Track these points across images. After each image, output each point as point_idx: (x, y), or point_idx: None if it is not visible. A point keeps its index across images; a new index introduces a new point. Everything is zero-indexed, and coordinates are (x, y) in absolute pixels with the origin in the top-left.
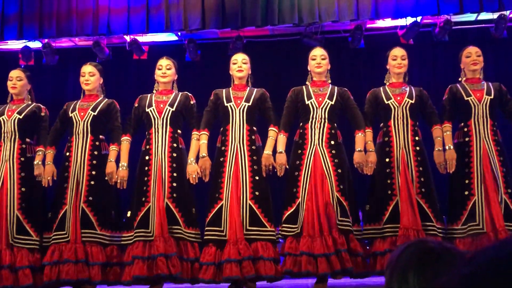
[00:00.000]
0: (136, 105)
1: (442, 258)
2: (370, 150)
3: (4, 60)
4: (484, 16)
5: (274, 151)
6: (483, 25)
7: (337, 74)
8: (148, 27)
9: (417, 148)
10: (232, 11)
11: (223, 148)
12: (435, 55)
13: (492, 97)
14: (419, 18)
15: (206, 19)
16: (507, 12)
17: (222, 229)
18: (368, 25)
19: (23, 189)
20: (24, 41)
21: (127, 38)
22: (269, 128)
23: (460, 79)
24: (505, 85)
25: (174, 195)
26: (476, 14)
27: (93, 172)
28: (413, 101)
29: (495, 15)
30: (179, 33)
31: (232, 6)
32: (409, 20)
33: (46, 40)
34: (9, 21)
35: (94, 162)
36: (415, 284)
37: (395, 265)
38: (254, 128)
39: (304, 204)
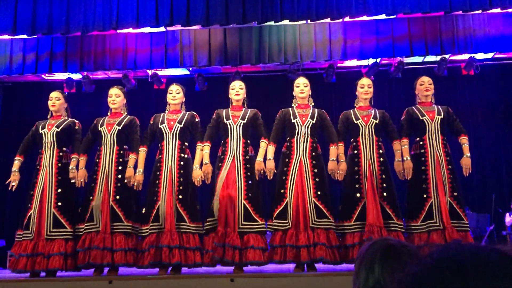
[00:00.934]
0: (152, 122)
1: (401, 253)
2: (341, 160)
3: (52, 88)
4: (429, 58)
5: (265, 159)
6: (429, 65)
7: (315, 102)
8: (166, 64)
9: (381, 159)
10: (233, 52)
11: (222, 157)
12: (391, 88)
13: (442, 116)
14: (378, 59)
15: (212, 58)
16: (447, 56)
17: (215, 218)
18: (339, 64)
19: (59, 190)
20: (68, 73)
21: (149, 72)
22: (261, 140)
23: (416, 102)
24: None
25: (180, 196)
26: (423, 57)
27: (119, 176)
28: (377, 121)
29: (438, 58)
30: (190, 69)
31: (233, 48)
32: (370, 61)
33: (85, 72)
34: (56, 57)
35: (120, 168)
36: (379, 273)
37: (363, 258)
38: (248, 141)
39: (292, 203)
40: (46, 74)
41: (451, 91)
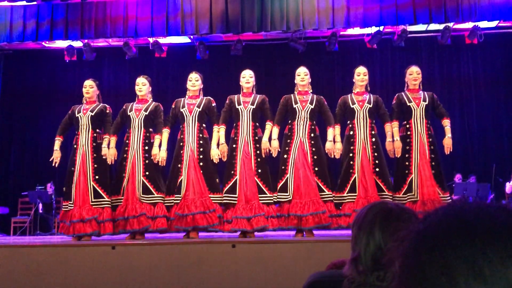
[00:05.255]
0: (173, 106)
1: (400, 217)
2: (337, 140)
3: (52, 56)
4: (433, 26)
5: (270, 139)
6: (432, 34)
7: (317, 70)
8: (167, 31)
9: (373, 139)
10: (234, 20)
11: (235, 138)
12: (393, 56)
13: (427, 103)
14: (381, 27)
15: (213, 26)
16: (451, 24)
17: (236, 195)
18: (342, 33)
19: (95, 165)
20: (68, 41)
21: (151, 40)
22: (266, 123)
23: (405, 89)
24: (447, 81)
25: (202, 171)
26: (426, 25)
27: (146, 155)
28: (371, 106)
29: (441, 26)
30: (191, 37)
31: (234, 15)
32: (373, 29)
33: (86, 40)
34: (57, 25)
35: (146, 148)
36: (380, 237)
37: (362, 222)
38: (257, 124)
39: (292, 178)
40: (47, 42)
41: (455, 60)
